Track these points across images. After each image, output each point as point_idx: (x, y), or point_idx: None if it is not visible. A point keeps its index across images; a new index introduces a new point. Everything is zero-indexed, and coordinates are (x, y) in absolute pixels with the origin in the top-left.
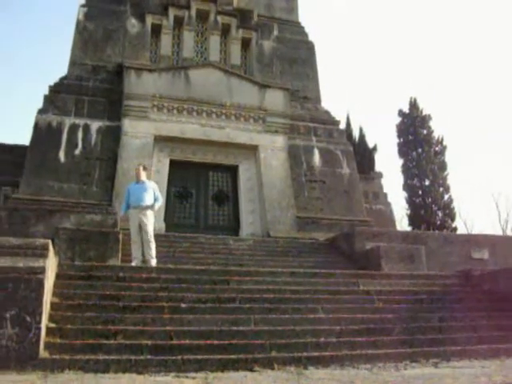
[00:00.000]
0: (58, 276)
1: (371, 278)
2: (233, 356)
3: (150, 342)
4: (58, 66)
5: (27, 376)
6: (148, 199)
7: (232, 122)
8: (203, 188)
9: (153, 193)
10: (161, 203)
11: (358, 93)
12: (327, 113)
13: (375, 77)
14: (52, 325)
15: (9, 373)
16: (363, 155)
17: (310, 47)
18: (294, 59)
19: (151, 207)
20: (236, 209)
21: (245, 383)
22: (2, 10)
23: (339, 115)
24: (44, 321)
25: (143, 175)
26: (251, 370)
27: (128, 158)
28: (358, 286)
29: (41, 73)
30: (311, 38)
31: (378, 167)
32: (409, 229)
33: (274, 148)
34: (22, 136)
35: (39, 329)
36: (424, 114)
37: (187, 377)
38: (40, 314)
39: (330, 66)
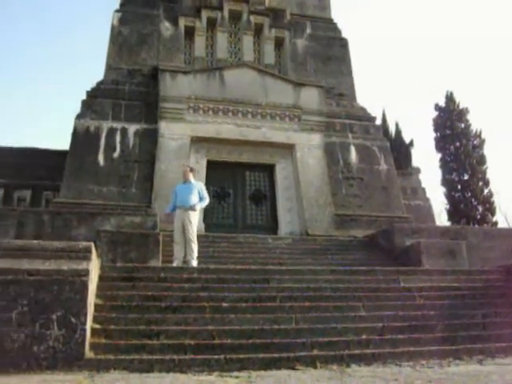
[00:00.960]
0: (100, 278)
1: (412, 274)
2: (275, 355)
3: (192, 342)
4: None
5: (74, 376)
6: (193, 200)
7: (268, 121)
8: (240, 188)
9: (198, 193)
10: (206, 203)
11: (394, 88)
12: (363, 109)
13: (410, 71)
14: (96, 326)
15: (56, 373)
16: (400, 151)
17: (343, 44)
18: (328, 56)
19: (195, 208)
20: (274, 208)
21: (288, 382)
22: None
23: (375, 111)
24: (89, 322)
25: (190, 176)
26: (293, 369)
27: (165, 160)
28: (399, 282)
29: (76, 79)
30: (344, 34)
31: (415, 162)
32: (448, 224)
33: (310, 146)
34: (62, 141)
35: (84, 330)
36: (461, 107)
37: (230, 376)
38: (85, 316)
39: (364, 62)
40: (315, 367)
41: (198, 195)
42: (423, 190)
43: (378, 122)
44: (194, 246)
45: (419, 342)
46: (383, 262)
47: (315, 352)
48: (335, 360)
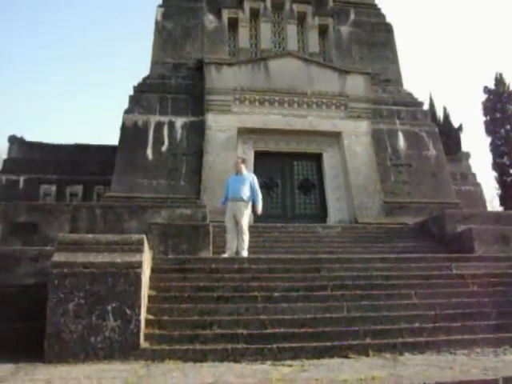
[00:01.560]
0: (153, 270)
1: (464, 261)
2: (327, 343)
3: (245, 331)
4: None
5: (131, 365)
6: (244, 191)
7: (314, 110)
8: (288, 177)
9: (249, 185)
10: (260, 197)
11: (441, 71)
12: (409, 94)
13: (457, 54)
14: (150, 317)
15: (113, 362)
16: (448, 136)
17: (388, 29)
18: (373, 42)
19: (247, 200)
20: (322, 197)
21: (341, 370)
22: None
23: (422, 96)
24: (143, 313)
25: (242, 167)
26: (346, 357)
27: (213, 152)
28: (451, 269)
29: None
30: (389, 19)
31: (464, 147)
32: (500, 209)
33: (357, 134)
34: (110, 137)
35: (139, 321)
36: (511, 89)
37: (283, 365)
38: (139, 307)
39: (409, 45)
40: (368, 355)
41: (250, 187)
42: (473, 175)
43: (426, 106)
44: (246, 238)
45: (473, 329)
46: (434, 249)
47: (367, 340)
48: (388, 348)
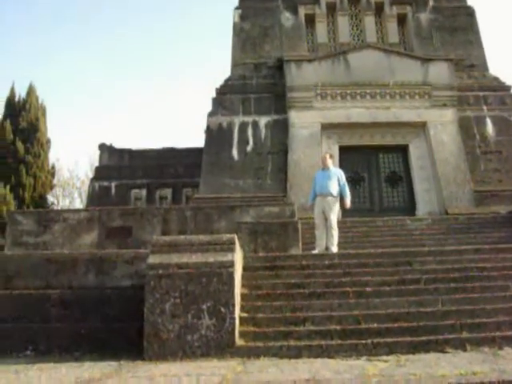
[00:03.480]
0: (244, 268)
1: None
2: (423, 338)
3: (338, 327)
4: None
5: (227, 363)
6: (332, 187)
7: (397, 100)
8: (374, 171)
9: (337, 180)
10: (348, 192)
11: None
12: (496, 79)
13: None
14: (244, 314)
15: (210, 359)
16: None
17: (469, 13)
18: (454, 28)
19: (335, 195)
20: (410, 189)
21: (439, 365)
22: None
23: (510, 79)
24: (237, 311)
25: (329, 163)
26: (443, 352)
27: (298, 149)
28: None
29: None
30: (470, 2)
31: None
32: None
33: (443, 122)
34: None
35: (233, 319)
36: None
37: (379, 360)
38: (233, 305)
39: (493, 26)
40: (465, 350)
41: (338, 182)
42: None
43: None
44: (335, 233)
45: None
46: None
47: (464, 334)
48: (486, 342)
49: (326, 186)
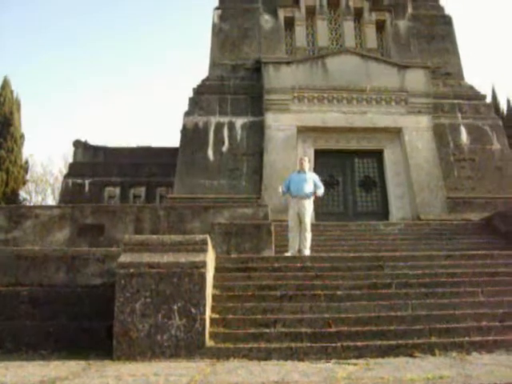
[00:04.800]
0: (216, 269)
1: None
2: (392, 342)
3: (308, 330)
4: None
5: (196, 364)
6: (308, 189)
7: (373, 106)
8: (349, 175)
9: (313, 183)
10: (323, 190)
11: (504, 63)
12: (471, 88)
13: None
14: (215, 315)
15: (179, 360)
16: None
17: (447, 21)
18: (432, 36)
19: (311, 196)
20: (384, 194)
21: (408, 369)
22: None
23: (484, 89)
24: (208, 312)
25: (306, 166)
26: (412, 356)
27: (273, 151)
28: None
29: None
30: (447, 11)
31: None
32: None
33: (418, 129)
34: (169, 139)
35: (204, 319)
36: None
37: (348, 363)
38: (204, 306)
39: (469, 36)
40: (434, 354)
41: (313, 185)
42: None
43: (488, 99)
44: (308, 236)
45: None
46: (501, 246)
47: (433, 339)
48: (455, 347)
49: (303, 188)
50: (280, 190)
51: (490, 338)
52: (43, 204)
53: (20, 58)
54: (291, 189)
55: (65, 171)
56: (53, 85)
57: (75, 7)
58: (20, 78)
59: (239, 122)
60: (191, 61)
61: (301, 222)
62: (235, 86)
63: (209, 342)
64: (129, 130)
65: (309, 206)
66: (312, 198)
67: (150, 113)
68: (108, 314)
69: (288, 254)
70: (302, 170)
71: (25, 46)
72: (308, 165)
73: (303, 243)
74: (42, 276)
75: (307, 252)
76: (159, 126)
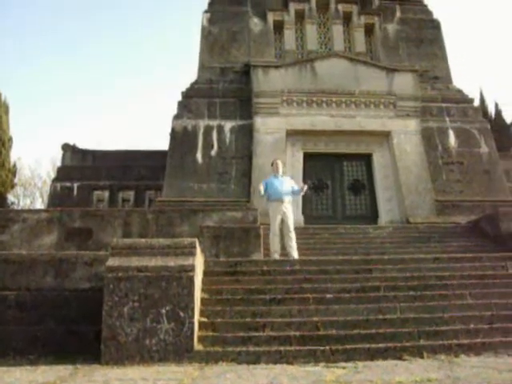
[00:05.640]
0: (205, 273)
1: None
2: (381, 345)
3: (297, 333)
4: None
5: (185, 368)
6: (288, 191)
7: (362, 109)
8: (338, 178)
9: (291, 187)
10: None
11: (492, 67)
12: (459, 91)
13: (509, 47)
14: (203, 319)
15: (168, 364)
16: (501, 132)
17: (435, 25)
18: (420, 39)
19: (291, 199)
20: (373, 197)
21: (396, 372)
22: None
23: (472, 92)
24: (196, 316)
25: (281, 170)
26: (400, 359)
27: (262, 155)
28: (507, 269)
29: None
30: (436, 15)
31: None
32: None
33: (407, 132)
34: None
35: (192, 323)
36: None
37: (337, 366)
38: (192, 310)
39: (457, 40)
40: (422, 357)
41: (292, 188)
42: None
43: (476, 103)
44: (293, 236)
45: None
46: (489, 248)
47: (422, 342)
48: (443, 350)
49: (284, 191)
50: (261, 189)
51: (478, 340)
52: (31, 208)
53: (8, 61)
54: (272, 192)
55: (53, 175)
56: (41, 87)
57: (66, 8)
58: (8, 81)
59: (228, 125)
60: (181, 64)
61: (283, 223)
62: (224, 89)
63: (197, 346)
64: (118, 133)
65: (290, 209)
66: (293, 198)
67: (139, 116)
68: (96, 318)
69: (276, 257)
70: (278, 174)
71: (13, 50)
72: (282, 169)
73: (289, 244)
74: (30, 280)
75: (295, 253)
76: (148, 130)
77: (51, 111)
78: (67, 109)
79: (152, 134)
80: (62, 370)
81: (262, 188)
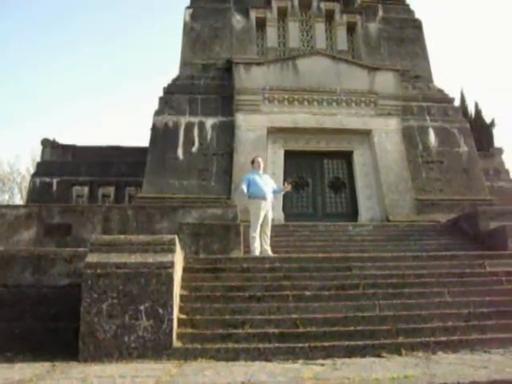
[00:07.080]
0: (184, 269)
1: (498, 258)
2: (359, 342)
3: (276, 331)
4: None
5: (164, 365)
6: (270, 189)
7: (343, 108)
8: (319, 176)
9: (273, 185)
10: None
11: (472, 67)
12: (440, 91)
13: (489, 49)
14: (182, 316)
15: (147, 361)
16: (480, 131)
17: (417, 25)
18: (402, 39)
19: (272, 198)
20: (353, 195)
21: (374, 369)
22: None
23: (453, 92)
24: (175, 312)
25: (262, 167)
26: (379, 356)
27: (243, 152)
28: (485, 267)
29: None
30: (418, 15)
31: (497, 142)
32: None
33: (387, 131)
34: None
35: (171, 320)
36: None
37: (315, 364)
38: (171, 306)
39: (438, 40)
40: (400, 354)
41: (274, 187)
42: (507, 171)
43: (457, 102)
44: (269, 233)
45: (508, 328)
46: (467, 247)
47: (400, 339)
48: (421, 347)
49: (268, 189)
50: (245, 188)
51: (456, 337)
52: (10, 203)
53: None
54: (255, 190)
55: (32, 170)
56: (22, 83)
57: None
58: None
59: (209, 122)
60: (163, 60)
61: (265, 222)
62: (206, 85)
63: (176, 343)
64: (98, 129)
65: (271, 205)
66: (276, 196)
67: (119, 112)
68: (75, 314)
69: (257, 253)
70: (259, 171)
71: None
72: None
73: (266, 241)
74: (8, 276)
75: (269, 250)
76: (128, 126)
77: (30, 105)
78: (46, 103)
79: (133, 130)
80: (40, 368)
81: (244, 187)
